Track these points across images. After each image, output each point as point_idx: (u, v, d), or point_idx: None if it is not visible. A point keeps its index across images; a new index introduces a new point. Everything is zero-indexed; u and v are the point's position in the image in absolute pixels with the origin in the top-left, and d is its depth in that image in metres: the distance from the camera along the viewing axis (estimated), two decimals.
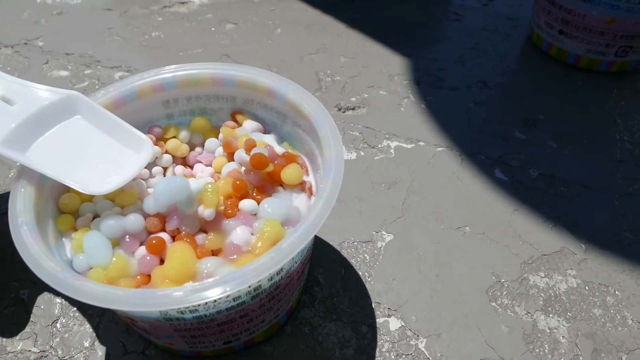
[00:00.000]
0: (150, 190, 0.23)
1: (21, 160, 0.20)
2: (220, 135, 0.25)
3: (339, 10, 0.50)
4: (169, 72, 0.25)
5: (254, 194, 0.22)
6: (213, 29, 0.47)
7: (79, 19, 0.48)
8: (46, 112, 0.22)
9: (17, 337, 0.24)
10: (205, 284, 0.17)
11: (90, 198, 0.22)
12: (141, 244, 0.20)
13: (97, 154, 0.22)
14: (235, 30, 0.47)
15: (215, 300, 0.18)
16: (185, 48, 0.44)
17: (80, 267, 0.19)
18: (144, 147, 0.23)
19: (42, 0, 0.50)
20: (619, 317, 0.26)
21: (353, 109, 0.38)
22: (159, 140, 0.25)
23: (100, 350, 0.24)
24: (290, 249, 0.17)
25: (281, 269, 0.19)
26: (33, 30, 0.46)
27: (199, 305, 0.18)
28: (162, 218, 0.21)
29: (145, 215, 0.21)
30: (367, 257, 0.28)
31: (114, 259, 0.19)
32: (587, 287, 0.27)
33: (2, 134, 0.20)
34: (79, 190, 0.21)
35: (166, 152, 0.25)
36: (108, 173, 0.22)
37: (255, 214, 0.21)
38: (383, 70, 0.42)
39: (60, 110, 0.22)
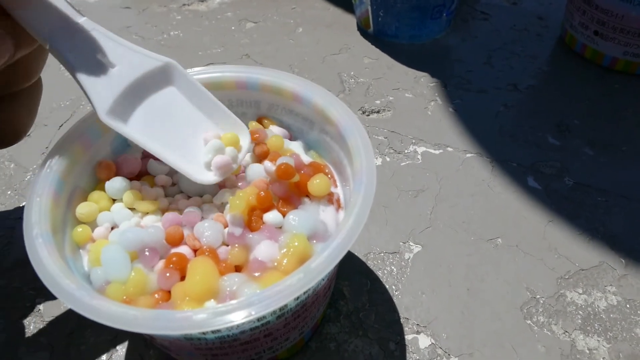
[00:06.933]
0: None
1: (130, 135, 0.19)
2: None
3: None
4: (193, 75, 0.24)
5: (279, 206, 0.21)
6: (233, 27, 0.46)
7: (97, 18, 0.47)
8: (144, 80, 0.20)
9: (33, 348, 0.23)
10: (229, 306, 0.15)
11: (108, 207, 0.21)
12: (161, 258, 0.19)
13: (193, 133, 0.21)
14: (255, 29, 0.46)
15: None
16: (204, 47, 0.43)
17: (97, 281, 0.19)
18: (241, 133, 0.22)
19: None
20: None
21: (378, 112, 0.36)
22: None
23: None
24: (320, 269, 0.16)
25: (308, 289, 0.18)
26: None
27: None
28: (182, 232, 0.20)
29: (165, 227, 0.20)
30: (394, 269, 0.27)
31: (133, 273, 0.18)
32: (628, 305, 0.25)
33: (108, 102, 0.19)
34: (190, 178, 0.20)
35: None
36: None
37: (280, 227, 0.20)
38: (408, 72, 0.40)
39: (155, 78, 0.21)
